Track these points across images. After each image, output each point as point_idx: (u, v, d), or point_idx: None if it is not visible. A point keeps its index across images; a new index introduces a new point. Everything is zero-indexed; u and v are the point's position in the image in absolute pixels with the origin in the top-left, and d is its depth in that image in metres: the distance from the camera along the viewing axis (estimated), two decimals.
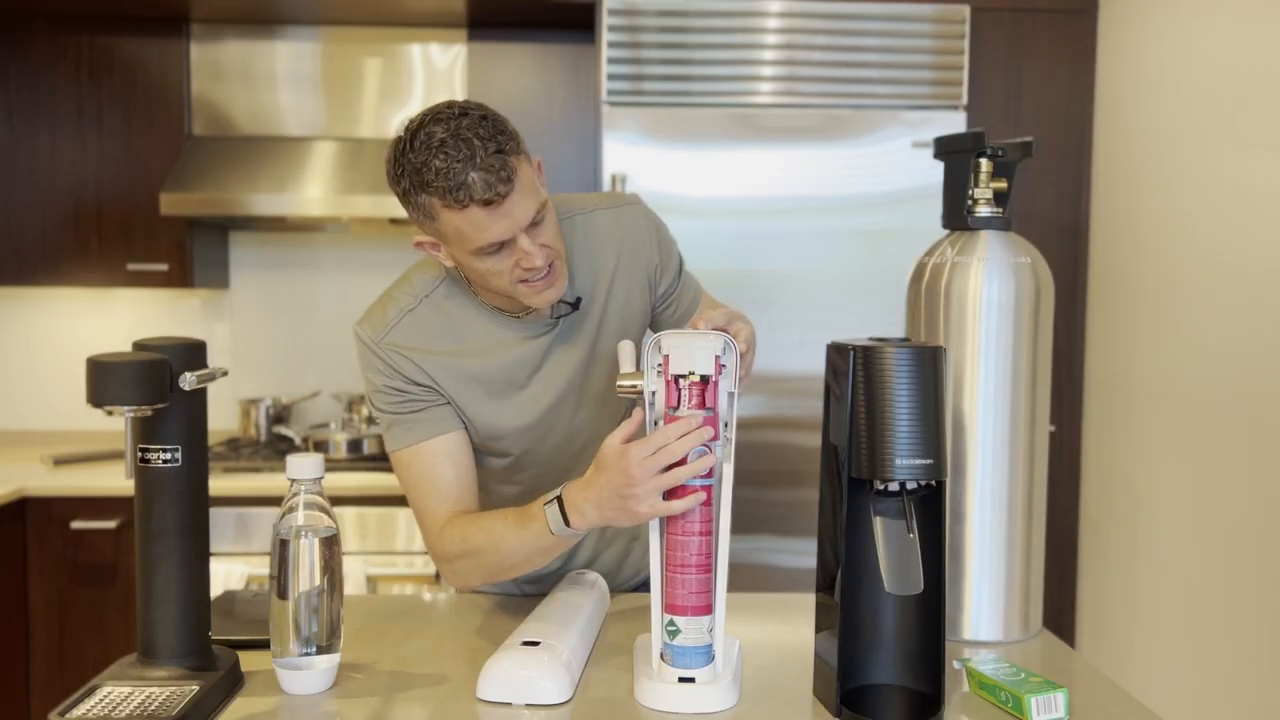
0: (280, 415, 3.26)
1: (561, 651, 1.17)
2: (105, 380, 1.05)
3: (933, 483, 1.14)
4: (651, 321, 1.53)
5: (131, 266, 3.01)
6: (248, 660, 1.24)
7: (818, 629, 1.17)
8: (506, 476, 1.50)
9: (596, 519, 1.19)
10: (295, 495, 1.15)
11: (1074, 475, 2.83)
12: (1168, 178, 2.41)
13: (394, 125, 3.18)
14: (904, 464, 1.08)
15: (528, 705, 1.13)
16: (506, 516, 1.28)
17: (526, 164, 1.25)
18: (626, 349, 1.30)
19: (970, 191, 1.38)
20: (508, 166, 1.20)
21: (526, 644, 1.17)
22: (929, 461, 1.09)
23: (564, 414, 1.44)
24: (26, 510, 2.74)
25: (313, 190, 2.89)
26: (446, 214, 1.21)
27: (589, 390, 1.45)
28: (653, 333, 1.52)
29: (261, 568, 2.75)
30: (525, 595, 1.58)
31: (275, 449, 3.05)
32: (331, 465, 2.85)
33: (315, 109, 3.18)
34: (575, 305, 1.41)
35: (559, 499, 1.21)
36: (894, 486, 1.12)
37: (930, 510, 1.14)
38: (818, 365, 2.63)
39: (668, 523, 1.15)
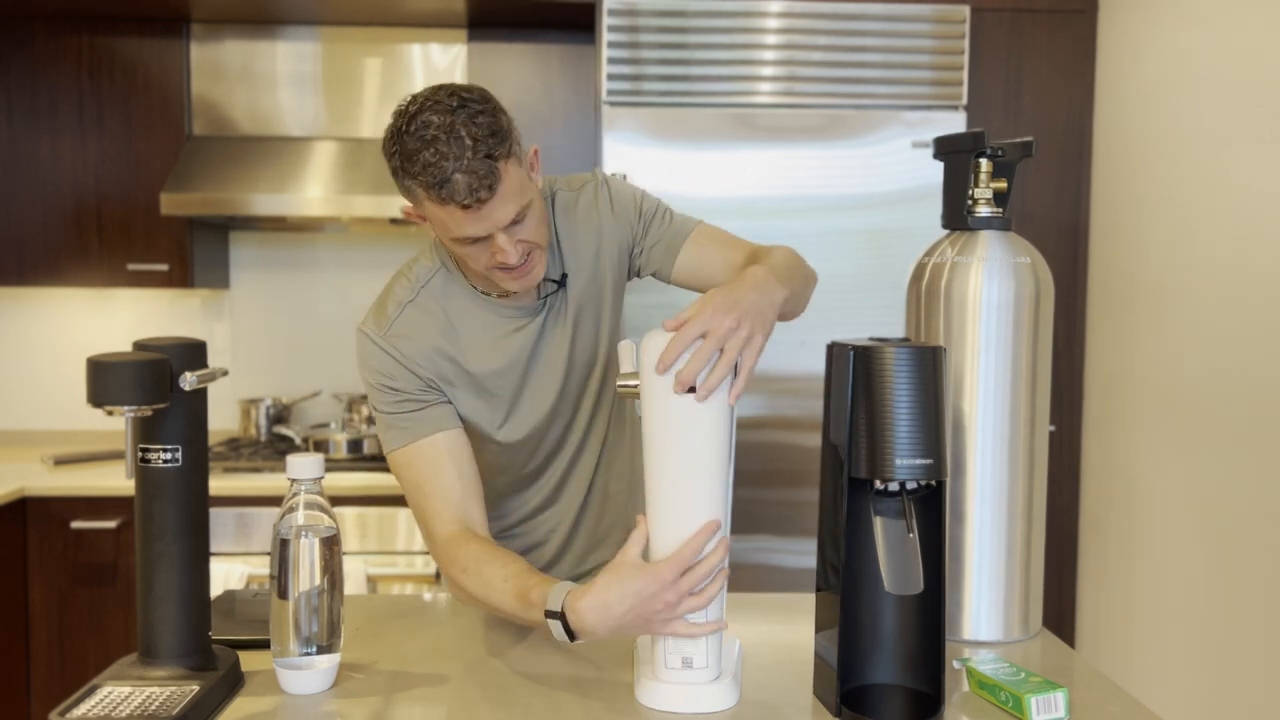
0: (280, 415, 3.26)
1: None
2: (105, 380, 1.05)
3: (933, 483, 1.14)
4: (631, 268, 1.53)
5: (132, 266, 3.01)
6: (248, 660, 1.24)
7: (818, 629, 1.18)
8: (501, 467, 1.51)
9: (608, 634, 1.13)
10: (295, 495, 1.15)
11: (1074, 475, 2.83)
12: (1167, 178, 2.41)
13: None
14: (904, 464, 1.08)
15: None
16: (508, 581, 1.22)
17: (516, 166, 1.25)
18: (627, 349, 1.30)
19: (970, 191, 1.38)
20: (494, 173, 1.21)
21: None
22: (929, 461, 1.09)
23: (561, 408, 1.47)
24: (27, 510, 2.74)
25: (313, 190, 2.89)
26: (428, 203, 1.25)
27: (573, 376, 1.47)
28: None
29: (261, 568, 2.75)
30: None
31: (275, 449, 3.05)
32: (331, 465, 2.85)
33: (315, 109, 3.18)
34: (560, 283, 1.44)
35: (562, 616, 1.13)
36: (894, 486, 1.12)
37: (930, 510, 1.14)
38: (818, 365, 2.63)
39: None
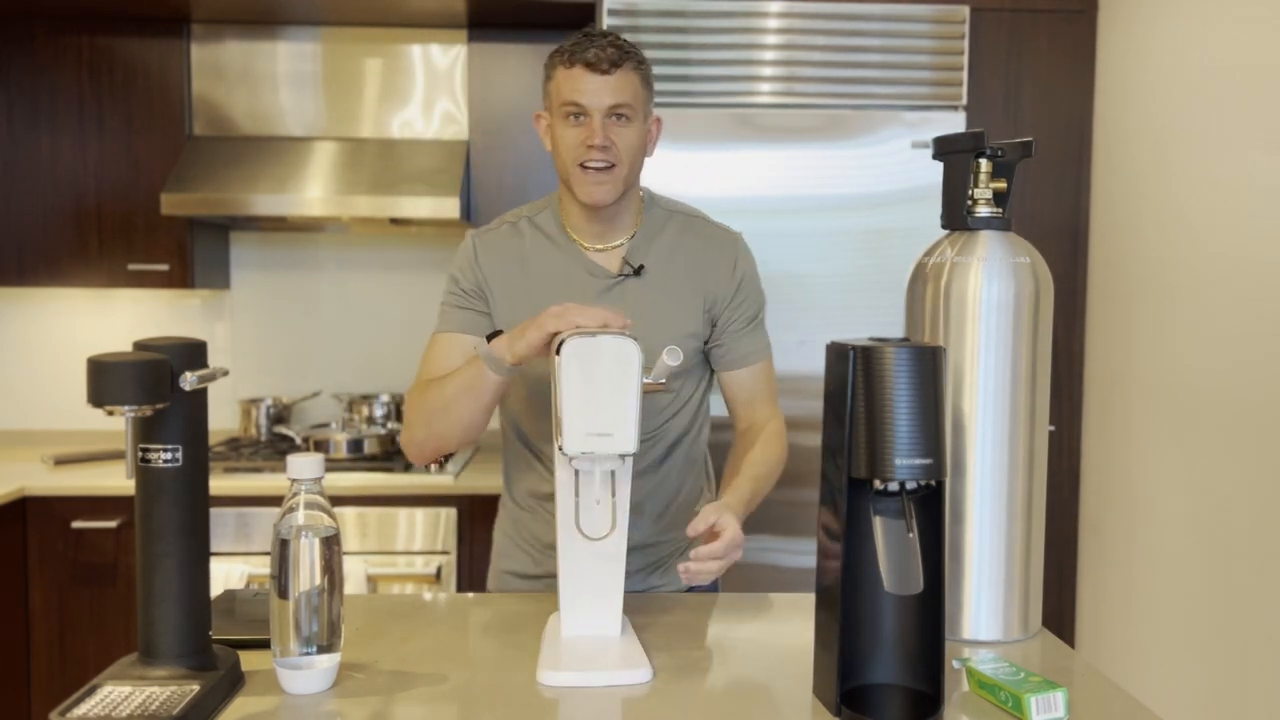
0: (280, 415, 3.26)
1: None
2: (105, 380, 1.05)
3: (932, 483, 1.14)
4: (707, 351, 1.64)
5: (132, 267, 3.01)
6: (248, 660, 1.24)
7: (818, 629, 1.18)
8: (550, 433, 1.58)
9: (508, 343, 1.34)
10: (295, 495, 1.15)
11: (1074, 475, 2.83)
12: (1167, 178, 2.41)
13: (394, 125, 3.18)
14: (904, 464, 1.08)
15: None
16: (457, 369, 1.45)
17: (640, 82, 1.49)
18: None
19: (970, 192, 1.38)
20: (620, 60, 1.46)
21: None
22: (929, 461, 1.09)
23: None
24: (27, 510, 2.74)
25: (313, 190, 2.89)
26: (559, 72, 1.48)
27: None
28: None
29: (261, 568, 2.75)
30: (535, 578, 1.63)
31: (276, 449, 3.05)
32: (332, 465, 2.85)
33: (315, 109, 3.18)
34: (637, 271, 1.57)
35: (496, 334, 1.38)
36: (894, 486, 1.12)
37: (930, 510, 1.14)
38: (818, 365, 2.63)
39: None
